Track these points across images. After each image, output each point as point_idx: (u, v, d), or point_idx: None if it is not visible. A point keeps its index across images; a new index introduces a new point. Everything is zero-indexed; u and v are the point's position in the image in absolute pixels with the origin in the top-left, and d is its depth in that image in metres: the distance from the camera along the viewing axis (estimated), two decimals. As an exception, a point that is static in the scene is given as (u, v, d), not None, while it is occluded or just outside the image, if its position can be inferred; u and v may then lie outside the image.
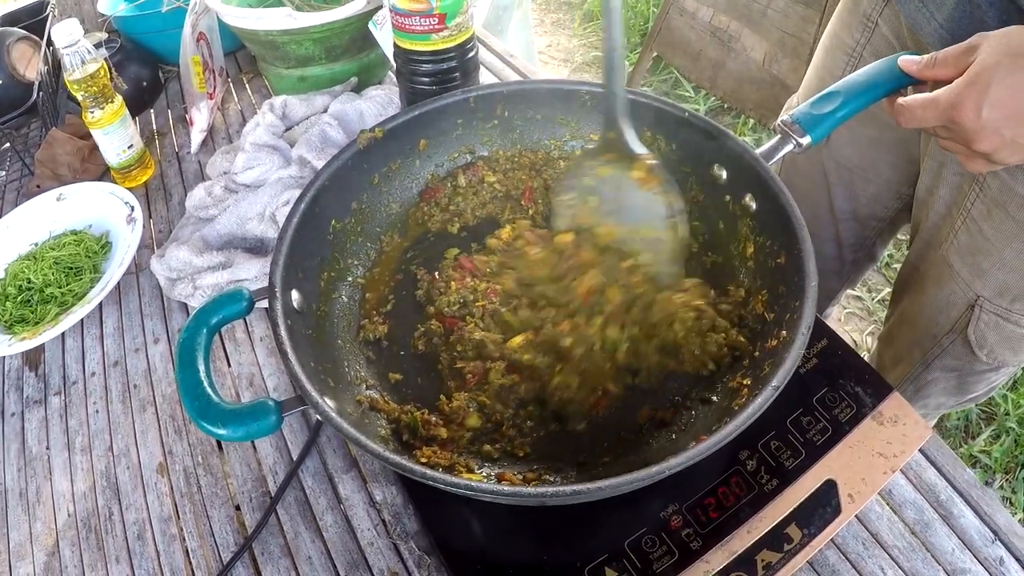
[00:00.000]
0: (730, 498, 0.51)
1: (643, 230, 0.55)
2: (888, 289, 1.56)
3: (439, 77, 0.73)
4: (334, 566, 0.53)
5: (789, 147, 0.55)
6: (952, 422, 1.32)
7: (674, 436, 0.52)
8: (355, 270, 0.62)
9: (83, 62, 0.80)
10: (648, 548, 0.48)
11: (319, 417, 0.45)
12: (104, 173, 0.88)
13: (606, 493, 0.42)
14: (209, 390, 0.46)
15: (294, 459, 0.59)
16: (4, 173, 0.92)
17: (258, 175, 0.74)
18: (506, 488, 0.42)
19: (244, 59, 1.04)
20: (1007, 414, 1.33)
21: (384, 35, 0.80)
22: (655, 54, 1.24)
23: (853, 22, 0.74)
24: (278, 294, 0.51)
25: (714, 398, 0.53)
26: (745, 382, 0.50)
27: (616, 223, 0.55)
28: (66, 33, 0.78)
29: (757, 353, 0.52)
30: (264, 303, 0.50)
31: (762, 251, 0.56)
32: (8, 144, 0.94)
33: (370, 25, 0.81)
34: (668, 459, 0.41)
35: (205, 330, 0.49)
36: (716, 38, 1.10)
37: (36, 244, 0.81)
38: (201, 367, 0.47)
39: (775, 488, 0.51)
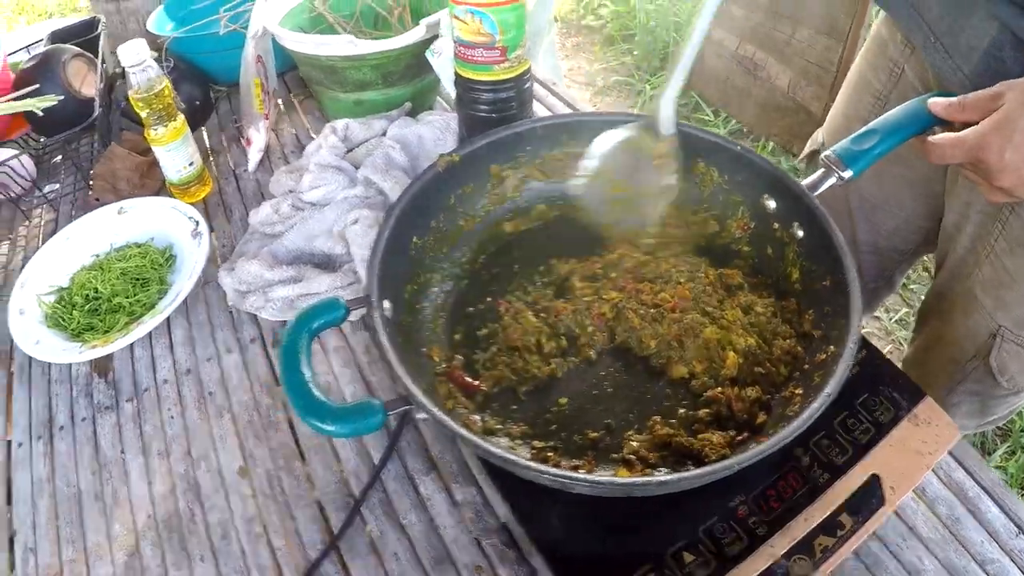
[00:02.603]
0: (788, 490, 0.55)
1: (642, 192, 0.64)
2: (905, 309, 1.63)
3: (498, 105, 0.78)
4: (420, 562, 0.56)
5: (832, 180, 0.60)
6: (968, 438, 1.39)
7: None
8: (435, 284, 0.66)
9: (149, 80, 0.83)
10: (720, 535, 0.53)
11: (427, 417, 0.49)
12: (160, 188, 0.91)
13: (684, 485, 0.47)
14: (315, 390, 0.50)
15: (374, 463, 0.62)
16: (58, 186, 0.94)
17: (324, 194, 0.78)
18: (603, 479, 0.46)
19: (293, 81, 1.08)
20: (1022, 431, 1.39)
21: (441, 63, 0.85)
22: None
23: (880, 65, 0.79)
24: (376, 303, 0.55)
25: (771, 405, 0.58)
26: (797, 391, 0.55)
27: (624, 183, 0.64)
28: (133, 52, 0.81)
29: (807, 366, 0.57)
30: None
31: (808, 275, 0.62)
32: (60, 157, 0.96)
33: (427, 54, 0.86)
34: (737, 455, 0.46)
35: (306, 335, 0.53)
36: (742, 66, 1.17)
37: (98, 255, 0.83)
38: (305, 369, 0.51)
39: (827, 481, 0.56)
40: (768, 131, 1.18)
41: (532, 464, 0.45)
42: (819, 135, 0.94)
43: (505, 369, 0.59)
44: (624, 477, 0.50)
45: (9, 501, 0.68)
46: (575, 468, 0.53)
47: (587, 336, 0.62)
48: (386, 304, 0.57)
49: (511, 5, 0.71)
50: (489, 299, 0.65)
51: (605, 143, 0.64)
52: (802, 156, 0.97)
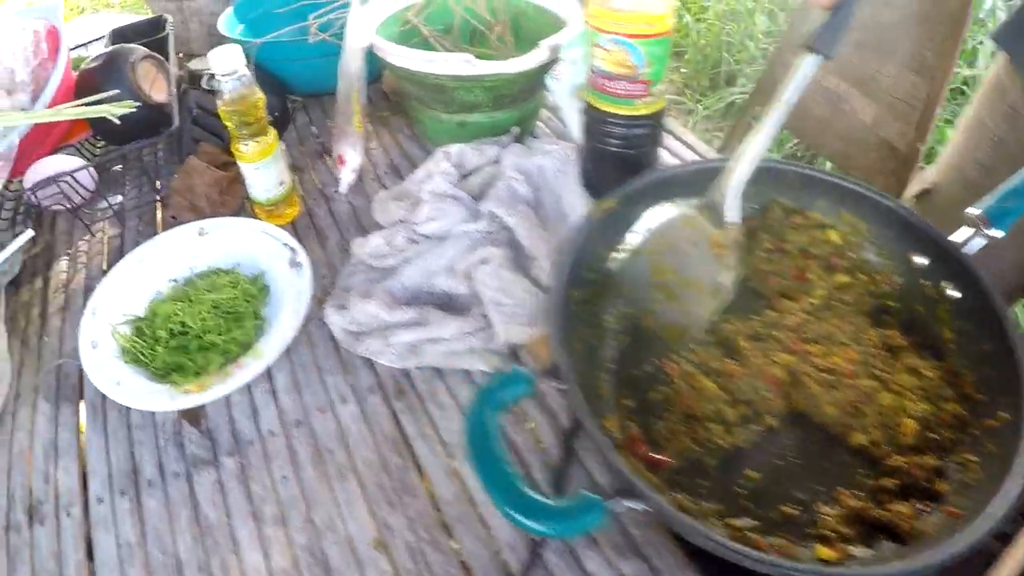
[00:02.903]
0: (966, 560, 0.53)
1: (692, 282, 0.58)
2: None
3: (631, 141, 0.73)
4: (596, 651, 0.51)
5: (981, 240, 0.59)
6: None
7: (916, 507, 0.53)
8: (596, 343, 0.60)
9: (240, 90, 0.75)
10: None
11: (649, 509, 0.44)
12: (241, 207, 0.83)
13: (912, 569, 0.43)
14: (517, 482, 0.44)
15: (531, 535, 0.57)
16: (121, 198, 0.85)
17: (441, 226, 0.72)
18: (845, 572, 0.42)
19: (375, 94, 1.00)
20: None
21: (560, 89, 0.80)
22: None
23: (997, 110, 0.79)
24: (572, 376, 0.49)
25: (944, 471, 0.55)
26: (970, 458, 0.52)
27: (672, 267, 0.58)
28: (226, 59, 0.74)
29: (975, 431, 0.54)
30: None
31: (963, 336, 0.59)
32: (120, 166, 0.87)
33: (547, 78, 0.80)
34: (948, 529, 0.44)
35: (494, 413, 0.48)
36: (824, 98, 1.15)
37: (176, 281, 0.75)
38: (499, 454, 0.46)
39: (998, 550, 0.53)
40: (853, 166, 1.15)
41: (787, 564, 0.40)
42: (929, 174, 0.92)
43: (686, 439, 0.55)
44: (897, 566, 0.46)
45: (91, 564, 0.60)
46: (773, 547, 0.49)
47: (764, 402, 0.57)
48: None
49: (662, 37, 0.67)
50: (653, 359, 0.60)
51: (657, 217, 0.59)
52: (911, 195, 0.96)
